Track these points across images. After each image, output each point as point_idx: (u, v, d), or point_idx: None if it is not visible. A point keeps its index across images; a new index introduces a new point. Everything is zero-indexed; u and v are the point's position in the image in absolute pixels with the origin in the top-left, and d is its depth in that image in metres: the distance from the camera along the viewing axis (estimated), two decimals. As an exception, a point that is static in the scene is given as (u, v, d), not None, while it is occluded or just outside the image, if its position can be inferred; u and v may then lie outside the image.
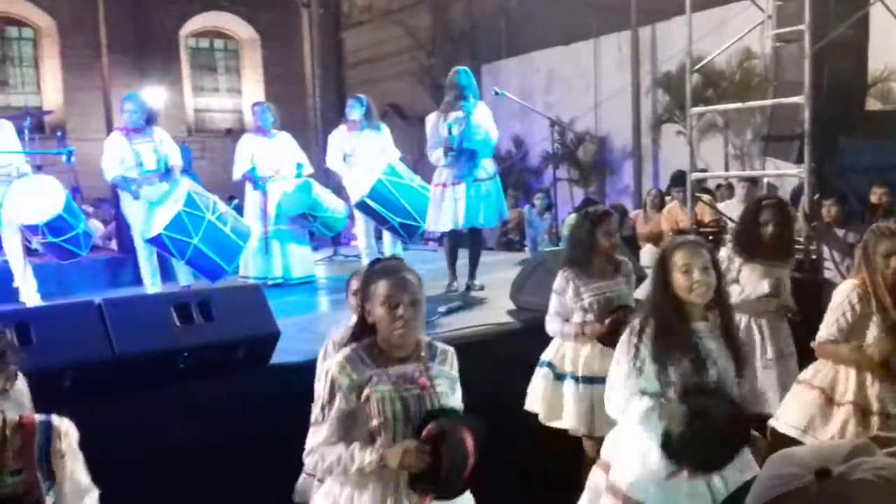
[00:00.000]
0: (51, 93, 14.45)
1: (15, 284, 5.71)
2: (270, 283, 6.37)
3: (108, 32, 11.53)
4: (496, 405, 3.23)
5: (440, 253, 6.12)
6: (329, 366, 2.30)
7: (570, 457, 3.82)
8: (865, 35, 6.63)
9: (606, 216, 3.87)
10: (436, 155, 5.57)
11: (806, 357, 3.54)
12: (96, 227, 8.30)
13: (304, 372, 3.14)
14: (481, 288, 5.80)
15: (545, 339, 3.93)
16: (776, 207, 4.18)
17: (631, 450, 2.59)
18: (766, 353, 4.08)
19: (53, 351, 3.25)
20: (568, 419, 3.73)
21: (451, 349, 2.47)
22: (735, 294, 3.87)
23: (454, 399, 2.37)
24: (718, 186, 9.26)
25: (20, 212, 5.51)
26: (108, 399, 3.30)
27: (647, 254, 7.34)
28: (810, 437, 3.18)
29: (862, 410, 3.13)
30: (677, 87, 10.41)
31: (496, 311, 5.02)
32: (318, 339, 4.26)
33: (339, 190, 7.26)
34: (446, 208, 5.55)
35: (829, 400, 3.22)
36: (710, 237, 6.33)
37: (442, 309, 5.06)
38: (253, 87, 16.09)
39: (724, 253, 4.10)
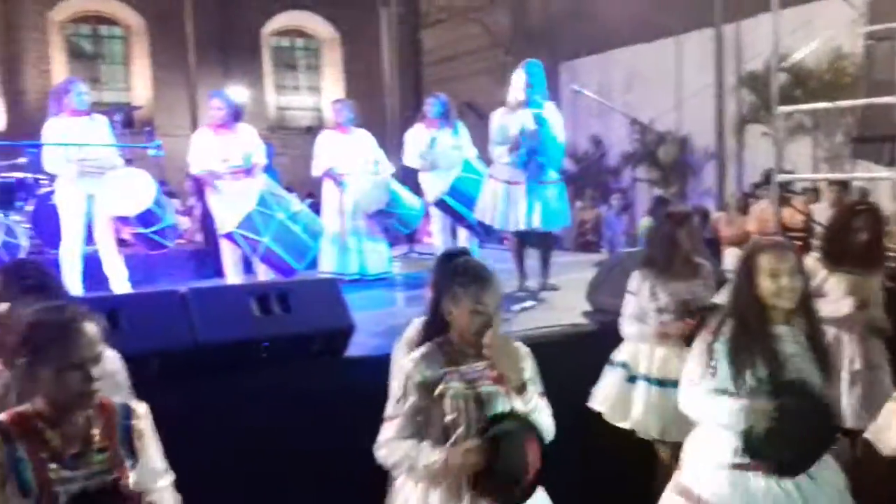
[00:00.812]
0: (140, 89, 15.00)
1: (106, 273, 5.95)
2: (347, 278, 6.46)
3: (194, 31, 11.92)
4: (568, 408, 3.20)
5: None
6: (403, 362, 2.33)
7: (644, 462, 3.76)
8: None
9: (688, 217, 3.79)
10: (498, 151, 5.55)
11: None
12: (181, 219, 8.58)
13: (377, 366, 3.17)
14: (555, 288, 5.75)
15: (621, 341, 3.87)
16: (870, 213, 3.98)
17: (705, 449, 2.53)
18: (853, 365, 3.89)
19: (140, 337, 3.37)
20: (637, 421, 3.67)
21: (524, 347, 2.47)
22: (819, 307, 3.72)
23: (525, 399, 2.35)
24: (804, 190, 8.95)
25: (112, 203, 5.73)
26: (191, 385, 3.40)
27: (730, 257, 7.15)
28: None
29: None
30: (763, 86, 10.09)
31: (570, 312, 4.94)
32: (392, 334, 4.30)
33: (415, 187, 7.31)
34: (508, 209, 5.51)
35: None
36: (798, 242, 6.12)
37: (515, 308, 5.04)
38: (332, 85, 16.35)
39: (809, 262, 3.93)
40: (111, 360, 2.46)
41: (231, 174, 6.06)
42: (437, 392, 2.27)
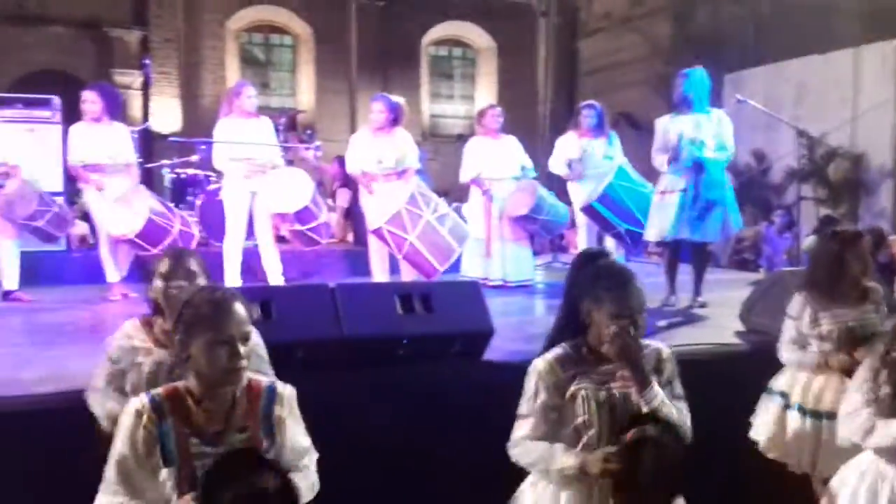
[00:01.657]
0: (304, 95, 15.77)
1: (263, 266, 6.26)
2: (490, 284, 6.47)
3: (357, 40, 12.37)
4: (713, 428, 3.06)
5: (662, 267, 5.90)
6: (537, 361, 2.30)
7: (795, 496, 3.50)
8: None
9: (858, 237, 3.48)
10: (660, 160, 5.38)
11: None
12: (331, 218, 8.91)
13: (514, 371, 3.14)
14: (704, 305, 5.51)
15: (775, 365, 3.62)
16: None
17: (862, 477, 2.32)
18: None
19: (290, 327, 3.52)
20: (791, 453, 3.43)
21: (667, 350, 2.37)
22: None
23: (664, 403, 2.26)
24: None
25: (272, 201, 6.04)
26: (334, 375, 3.51)
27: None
28: None
29: None
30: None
31: (721, 330, 4.71)
32: (531, 341, 4.26)
33: (562, 195, 7.23)
34: (662, 218, 5.34)
35: None
36: None
37: (662, 323, 4.88)
38: (486, 94, 16.51)
39: None
40: (258, 343, 2.58)
41: (384, 176, 6.23)
42: (568, 393, 2.24)
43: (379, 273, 6.30)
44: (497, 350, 3.98)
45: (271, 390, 2.11)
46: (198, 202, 7.87)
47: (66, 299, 6.10)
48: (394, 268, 6.38)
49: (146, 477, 1.95)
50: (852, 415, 2.42)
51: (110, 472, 1.98)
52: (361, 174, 6.30)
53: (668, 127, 5.38)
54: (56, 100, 7.51)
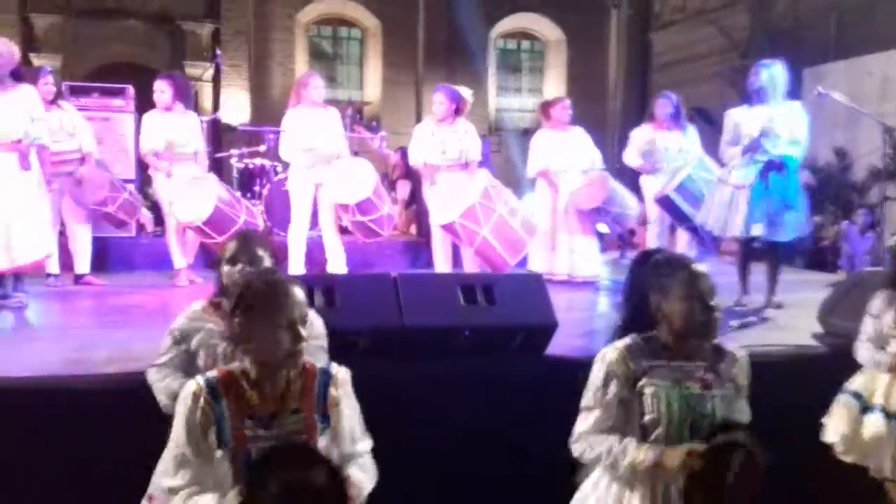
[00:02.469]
0: (371, 88, 15.83)
1: (326, 256, 6.28)
2: (556, 279, 6.35)
3: (425, 33, 12.35)
4: (787, 433, 2.93)
5: (734, 267, 5.70)
6: (606, 351, 2.21)
7: (869, 501, 3.34)
8: None
9: (946, 237, 3.30)
10: (730, 153, 5.19)
11: None
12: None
13: (577, 367, 3.07)
14: (779, 306, 5.30)
15: (855, 369, 3.45)
16: None
17: None
18: None
19: (352, 315, 3.52)
20: (870, 457, 3.28)
21: (744, 354, 2.28)
22: None
23: (739, 409, 2.20)
24: None
25: (336, 191, 6.04)
26: (394, 364, 3.50)
27: None
28: None
29: None
30: None
31: (797, 332, 4.54)
32: (595, 337, 4.16)
33: (633, 188, 7.06)
34: (734, 214, 5.13)
35: None
36: None
37: (734, 323, 4.71)
38: (554, 87, 16.30)
39: None
40: (316, 325, 2.57)
41: (447, 167, 6.19)
42: (637, 386, 2.15)
43: (442, 265, 6.26)
44: (560, 345, 3.91)
45: (326, 373, 2.10)
46: (264, 192, 7.95)
47: (135, 284, 6.23)
48: (455, 261, 6.33)
49: (203, 457, 1.96)
50: None
51: (168, 451, 2.01)
52: (424, 166, 6.27)
53: (740, 119, 5.18)
54: (130, 89, 7.69)
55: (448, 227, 5.89)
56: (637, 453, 2.08)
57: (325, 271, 6.11)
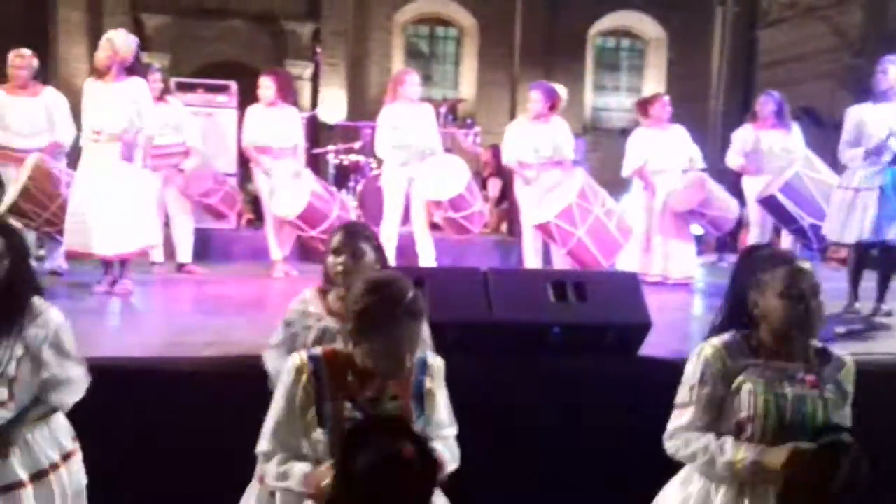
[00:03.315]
0: (466, 86, 15.87)
1: (417, 251, 6.32)
2: (649, 280, 6.20)
3: (521, 32, 12.23)
4: (891, 444, 2.76)
5: (842, 272, 5.43)
6: (703, 346, 2.15)
7: None
8: None
9: None
10: (850, 154, 4.93)
11: None
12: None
13: (671, 369, 3.00)
14: (889, 314, 5.03)
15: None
16: None
17: None
18: None
19: (442, 307, 3.48)
20: None
21: (849, 360, 2.17)
22: None
23: (842, 415, 2.10)
24: None
25: (429, 187, 6.08)
26: (483, 359, 3.47)
27: None
28: None
29: None
30: None
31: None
32: (689, 339, 4.03)
33: (734, 190, 6.81)
34: (855, 217, 4.88)
35: None
36: None
37: (840, 329, 4.49)
38: (654, 86, 15.92)
39: None
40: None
41: (540, 165, 6.13)
42: (734, 384, 2.08)
43: (533, 264, 6.20)
44: (653, 346, 3.81)
45: (423, 362, 2.11)
46: (358, 187, 8.08)
47: (233, 273, 6.44)
48: (546, 259, 6.26)
49: (300, 433, 2.00)
50: None
51: (268, 425, 2.05)
52: (517, 164, 6.22)
53: (864, 118, 4.92)
54: (233, 86, 7.96)
55: (543, 228, 5.83)
56: (736, 451, 2.02)
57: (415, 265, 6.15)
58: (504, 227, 8.50)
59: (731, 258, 7.75)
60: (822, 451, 1.93)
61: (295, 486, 1.96)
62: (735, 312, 2.19)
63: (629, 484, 2.87)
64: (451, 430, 2.18)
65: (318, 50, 12.78)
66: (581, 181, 5.73)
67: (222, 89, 7.95)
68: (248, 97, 6.92)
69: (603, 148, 13.20)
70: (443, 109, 8.44)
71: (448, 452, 2.11)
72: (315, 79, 14.25)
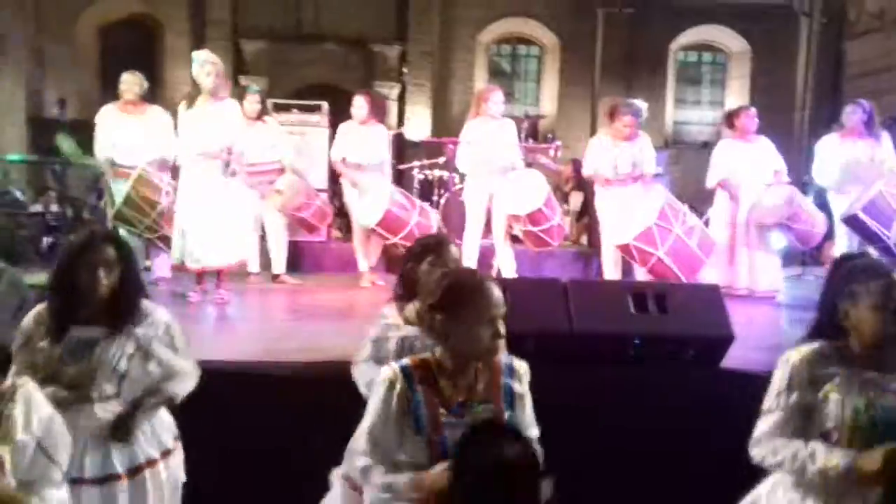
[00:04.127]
0: (546, 103, 15.96)
1: (496, 264, 6.43)
2: (734, 293, 6.14)
3: (602, 48, 12.28)
4: None
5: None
6: (791, 354, 2.16)
7: None
8: None
9: None
10: None
11: None
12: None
13: (755, 382, 2.99)
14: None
15: None
16: None
17: None
18: None
19: (522, 317, 3.56)
20: None
21: None
22: None
23: None
24: None
25: (509, 202, 6.21)
26: (563, 369, 3.47)
27: None
28: None
29: None
30: None
31: None
32: (771, 352, 4.00)
33: (821, 203, 6.69)
34: None
35: None
36: None
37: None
38: (737, 99, 15.62)
39: None
40: None
41: (618, 181, 6.16)
42: (822, 392, 2.08)
43: (612, 276, 6.21)
44: (736, 359, 3.80)
45: (510, 366, 2.17)
46: (442, 201, 8.27)
47: (324, 284, 6.70)
48: (626, 272, 6.27)
49: (395, 442, 2.04)
50: None
51: (364, 439, 2.09)
52: (595, 175, 6.26)
53: None
54: (325, 106, 8.30)
55: (622, 248, 5.86)
56: (828, 458, 2.00)
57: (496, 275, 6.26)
58: (584, 239, 8.54)
59: (816, 271, 7.58)
60: None
61: (404, 494, 1.98)
62: (826, 321, 2.18)
63: (712, 496, 2.91)
64: (535, 432, 2.22)
65: (405, 71, 13.08)
66: (661, 201, 5.69)
67: (315, 109, 8.29)
68: (338, 117, 7.22)
69: (684, 161, 13.04)
70: (524, 126, 8.55)
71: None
72: (401, 98, 14.61)
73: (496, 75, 16.02)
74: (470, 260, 6.33)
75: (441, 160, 8.69)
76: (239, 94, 6.48)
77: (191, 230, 5.39)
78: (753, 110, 6.65)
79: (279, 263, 6.65)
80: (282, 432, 3.42)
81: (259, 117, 6.45)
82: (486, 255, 6.50)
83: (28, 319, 2.57)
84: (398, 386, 2.04)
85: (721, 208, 6.56)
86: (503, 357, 2.21)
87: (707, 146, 7.75)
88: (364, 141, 6.57)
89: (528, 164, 7.49)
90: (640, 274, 5.95)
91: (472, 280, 2.10)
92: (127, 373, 2.52)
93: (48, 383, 2.39)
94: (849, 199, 6.10)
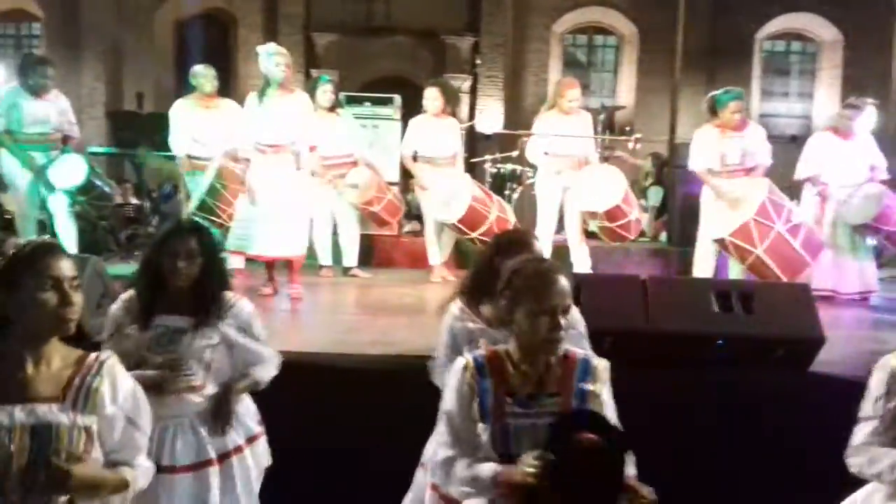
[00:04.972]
0: (624, 94, 15.65)
1: (571, 259, 6.26)
2: (820, 293, 5.82)
3: (684, 38, 11.89)
4: None
5: None
6: (888, 359, 2.06)
7: None
8: None
9: None
10: None
11: None
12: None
13: (846, 388, 2.85)
14: None
15: None
16: None
17: None
18: None
19: (598, 314, 3.46)
20: None
21: None
22: None
23: None
24: None
25: (583, 198, 6.05)
26: (640, 369, 3.37)
27: None
28: None
29: None
30: None
31: None
32: (863, 356, 3.78)
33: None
34: None
35: None
36: None
37: None
38: (827, 91, 15.03)
39: None
40: (573, 314, 2.58)
41: (728, 173, 5.88)
42: None
43: (702, 274, 5.95)
44: (826, 363, 3.63)
45: (586, 362, 2.13)
46: (514, 195, 8.15)
47: (395, 278, 6.69)
48: (721, 271, 6.00)
49: (469, 429, 2.06)
50: None
51: (444, 433, 2.12)
52: (704, 172, 5.96)
53: None
54: (398, 99, 8.28)
55: (719, 242, 5.61)
56: None
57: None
58: (663, 236, 8.29)
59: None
60: None
61: (488, 483, 1.97)
62: None
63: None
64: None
65: (478, 62, 13.01)
66: (763, 195, 5.40)
67: (387, 102, 8.28)
68: (410, 110, 7.18)
69: (773, 155, 12.57)
70: (601, 118, 8.35)
71: None
72: (473, 90, 14.53)
73: (571, 66, 15.79)
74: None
75: (514, 153, 8.57)
76: (311, 87, 6.50)
77: (255, 219, 5.39)
78: (867, 108, 6.21)
79: (351, 257, 6.65)
80: (353, 426, 3.42)
81: (332, 109, 6.44)
82: (559, 252, 6.35)
83: (117, 306, 2.64)
84: (468, 374, 2.07)
85: (807, 204, 6.23)
86: (579, 353, 2.17)
87: (796, 140, 7.38)
88: (437, 134, 6.50)
89: (605, 158, 7.31)
90: (735, 273, 5.69)
91: (538, 267, 2.09)
92: (211, 363, 2.58)
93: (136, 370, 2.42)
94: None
